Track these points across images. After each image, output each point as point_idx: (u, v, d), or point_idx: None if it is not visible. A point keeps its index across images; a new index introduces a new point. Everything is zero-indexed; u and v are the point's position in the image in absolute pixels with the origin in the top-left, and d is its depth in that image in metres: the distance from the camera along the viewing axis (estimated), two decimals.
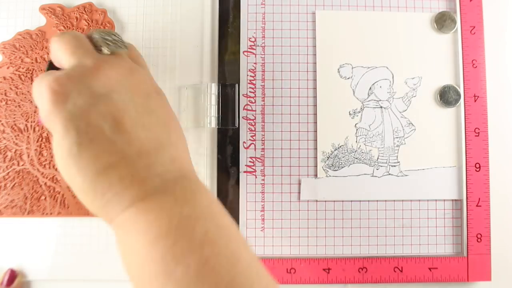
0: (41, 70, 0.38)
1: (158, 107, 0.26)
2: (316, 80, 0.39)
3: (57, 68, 0.27)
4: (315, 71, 0.39)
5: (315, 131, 0.39)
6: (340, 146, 0.39)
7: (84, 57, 0.26)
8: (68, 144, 0.23)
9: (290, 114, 0.39)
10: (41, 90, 0.24)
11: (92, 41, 0.27)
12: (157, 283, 0.21)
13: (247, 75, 0.39)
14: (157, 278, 0.21)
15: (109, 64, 0.26)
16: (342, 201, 0.39)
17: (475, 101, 0.39)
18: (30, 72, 0.38)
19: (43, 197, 0.37)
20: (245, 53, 0.40)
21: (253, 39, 0.40)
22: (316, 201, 0.39)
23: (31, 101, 0.38)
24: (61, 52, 0.26)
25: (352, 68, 0.40)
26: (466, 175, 0.38)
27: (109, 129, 0.24)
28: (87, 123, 0.23)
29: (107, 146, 0.23)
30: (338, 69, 0.40)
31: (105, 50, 0.27)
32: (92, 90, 0.24)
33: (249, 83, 0.39)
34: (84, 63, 0.25)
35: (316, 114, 0.39)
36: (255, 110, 0.39)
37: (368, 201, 0.39)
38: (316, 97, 0.39)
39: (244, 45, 0.40)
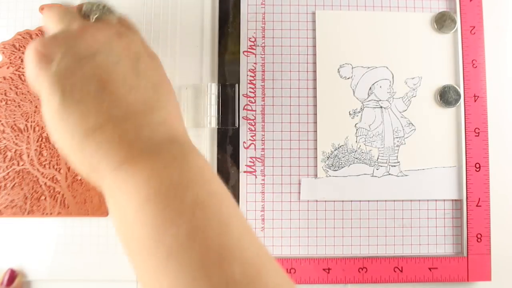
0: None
1: (148, 70, 0.26)
2: (316, 80, 0.39)
3: None
4: (315, 71, 0.39)
5: (315, 131, 0.39)
6: (340, 146, 0.39)
7: (70, 23, 0.26)
8: (55, 105, 0.23)
9: (290, 114, 0.39)
10: (28, 54, 0.25)
11: (81, 11, 0.28)
12: (147, 247, 0.21)
13: (247, 75, 0.39)
14: (146, 242, 0.21)
15: (95, 28, 0.26)
16: (342, 201, 0.39)
17: (475, 101, 0.39)
18: None
19: (43, 197, 0.37)
20: (245, 53, 0.40)
21: (253, 39, 0.40)
22: (316, 201, 0.39)
23: (31, 101, 0.38)
24: (50, 21, 0.27)
25: (352, 68, 0.40)
26: (466, 175, 0.38)
27: (95, 90, 0.24)
28: (72, 84, 0.24)
29: (93, 107, 0.23)
30: (338, 69, 0.40)
31: (92, 16, 0.28)
32: (77, 51, 0.24)
33: (249, 83, 0.39)
34: (70, 27, 0.26)
35: (316, 114, 0.39)
36: (255, 110, 0.39)
37: (368, 201, 0.39)
38: (316, 97, 0.39)
39: (244, 45, 0.40)
